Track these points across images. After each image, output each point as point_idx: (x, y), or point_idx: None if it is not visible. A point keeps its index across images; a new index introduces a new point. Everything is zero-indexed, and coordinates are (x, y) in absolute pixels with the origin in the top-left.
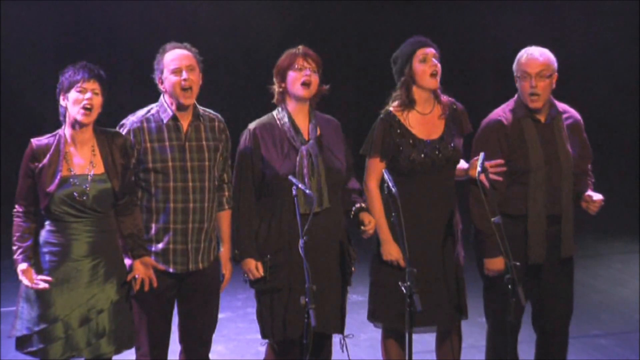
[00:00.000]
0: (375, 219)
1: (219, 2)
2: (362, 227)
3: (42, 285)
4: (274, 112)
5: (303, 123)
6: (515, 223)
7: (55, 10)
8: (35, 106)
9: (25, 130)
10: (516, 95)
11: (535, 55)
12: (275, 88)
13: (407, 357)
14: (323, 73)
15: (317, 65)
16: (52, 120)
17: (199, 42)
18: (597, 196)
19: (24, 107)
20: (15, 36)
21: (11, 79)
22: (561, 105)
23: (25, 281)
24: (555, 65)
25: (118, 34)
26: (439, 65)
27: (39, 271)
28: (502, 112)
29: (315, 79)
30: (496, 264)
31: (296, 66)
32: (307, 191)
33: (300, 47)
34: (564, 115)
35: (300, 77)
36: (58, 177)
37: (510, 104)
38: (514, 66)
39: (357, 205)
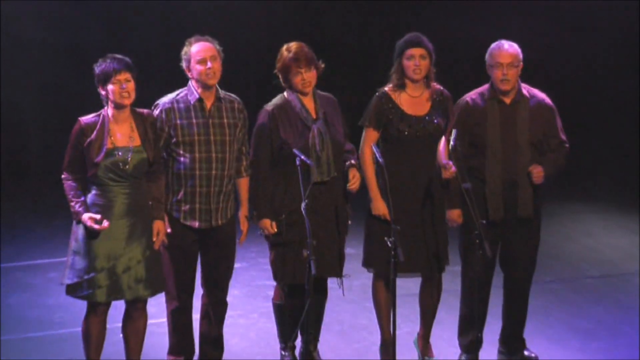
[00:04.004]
0: (367, 180)
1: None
2: (349, 183)
3: (105, 224)
4: (285, 94)
5: (309, 104)
6: (477, 187)
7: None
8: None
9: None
10: (490, 82)
11: (506, 48)
12: (282, 80)
13: (391, 299)
14: (318, 57)
15: (308, 61)
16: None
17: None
18: (537, 168)
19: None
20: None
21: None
22: (532, 91)
23: (95, 226)
24: (521, 56)
25: (149, 28)
26: (422, 63)
27: (88, 229)
28: (473, 94)
29: (311, 75)
30: (454, 214)
31: (292, 72)
32: (309, 161)
33: (291, 49)
34: (533, 99)
35: (299, 81)
36: (104, 149)
37: (483, 87)
38: (487, 57)
39: (348, 162)
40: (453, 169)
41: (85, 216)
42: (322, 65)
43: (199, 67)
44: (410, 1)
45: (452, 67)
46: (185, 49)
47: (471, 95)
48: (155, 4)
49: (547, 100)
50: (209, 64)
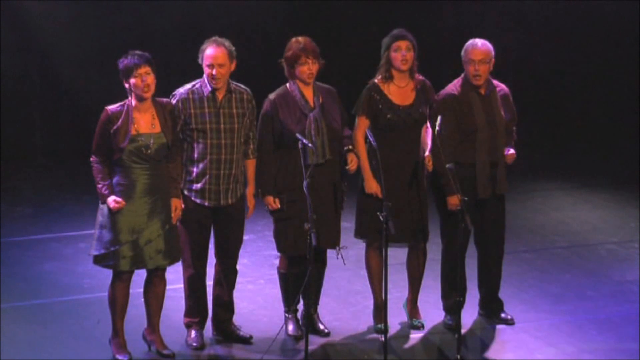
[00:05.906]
0: (360, 162)
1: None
2: (347, 166)
3: (123, 203)
4: (287, 85)
5: (309, 94)
6: (467, 169)
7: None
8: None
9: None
10: (463, 74)
11: (479, 46)
12: (286, 70)
13: (383, 266)
14: (322, 53)
15: (315, 54)
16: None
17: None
18: (510, 151)
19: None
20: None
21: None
22: (494, 82)
23: (117, 207)
24: (493, 53)
25: (171, 29)
26: (408, 54)
27: None
28: (454, 87)
29: (315, 68)
30: (454, 199)
31: (300, 61)
32: (309, 144)
33: (301, 41)
34: (498, 89)
35: (305, 70)
36: (129, 136)
37: (459, 80)
38: (462, 53)
39: (346, 147)
40: (430, 162)
41: (110, 199)
42: (323, 62)
43: (207, 70)
44: (401, 1)
45: (437, 59)
46: (202, 47)
47: (452, 89)
48: (173, 4)
49: (507, 89)
50: (215, 70)
